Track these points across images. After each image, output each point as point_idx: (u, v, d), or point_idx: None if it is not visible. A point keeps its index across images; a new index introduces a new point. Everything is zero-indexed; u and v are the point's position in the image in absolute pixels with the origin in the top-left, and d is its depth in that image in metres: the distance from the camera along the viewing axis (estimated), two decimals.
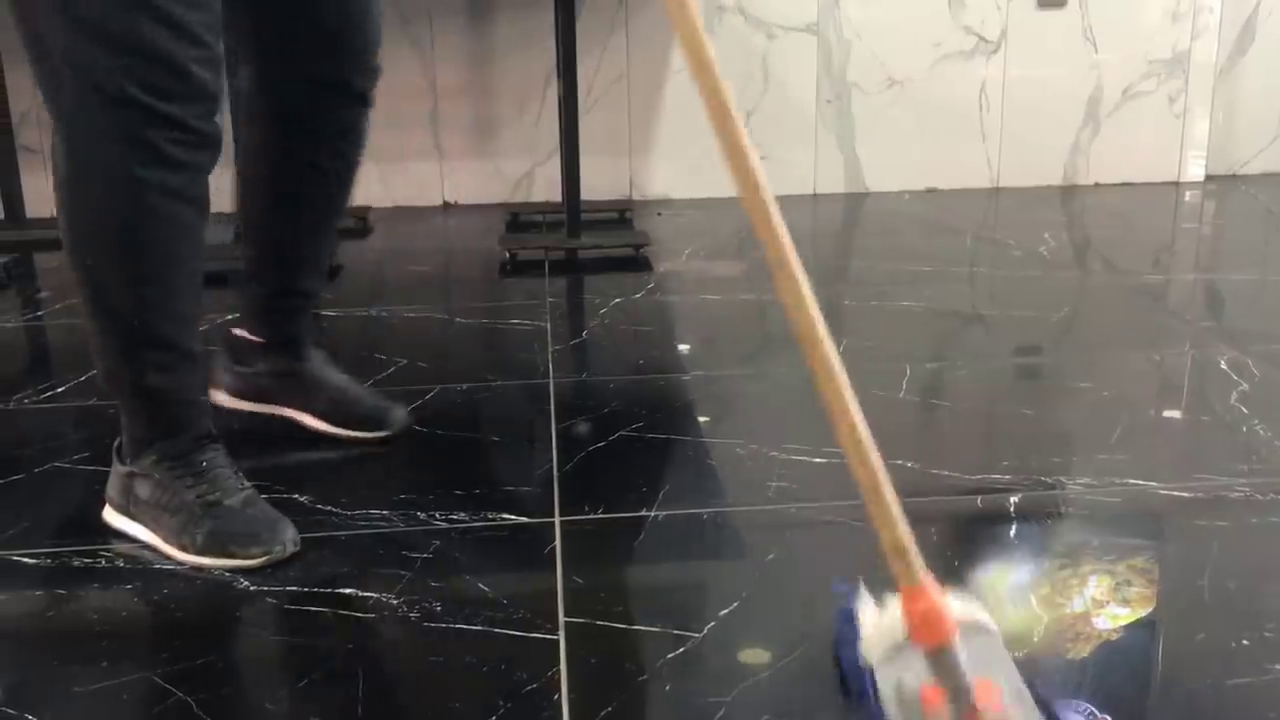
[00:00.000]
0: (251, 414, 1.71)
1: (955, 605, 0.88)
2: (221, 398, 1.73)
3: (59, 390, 1.94)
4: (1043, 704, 0.89)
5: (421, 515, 1.43)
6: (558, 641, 1.14)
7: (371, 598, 1.23)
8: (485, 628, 1.17)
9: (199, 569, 1.30)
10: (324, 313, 2.47)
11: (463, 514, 1.43)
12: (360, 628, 1.18)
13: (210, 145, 1.27)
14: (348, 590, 1.25)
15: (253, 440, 1.70)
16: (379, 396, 1.75)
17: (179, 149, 1.23)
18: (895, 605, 0.90)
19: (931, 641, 0.86)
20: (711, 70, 0.91)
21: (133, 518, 1.38)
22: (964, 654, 0.86)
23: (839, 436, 0.91)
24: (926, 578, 0.87)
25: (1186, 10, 3.67)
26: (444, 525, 1.40)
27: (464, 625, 1.17)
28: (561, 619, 1.18)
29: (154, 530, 1.36)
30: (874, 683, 0.92)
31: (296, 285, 1.66)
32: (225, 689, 1.08)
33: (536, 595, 1.23)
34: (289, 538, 1.32)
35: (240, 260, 1.67)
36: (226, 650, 1.15)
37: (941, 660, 0.86)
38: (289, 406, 1.70)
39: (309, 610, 1.21)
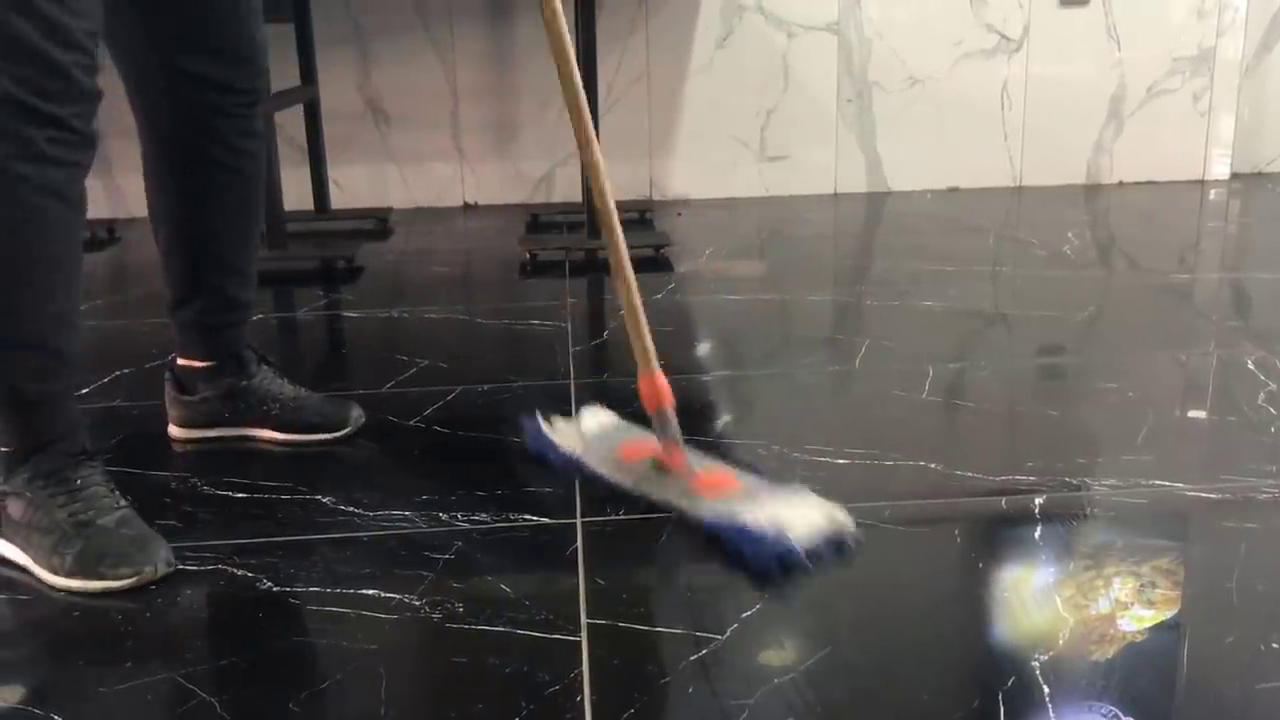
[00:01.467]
0: (210, 440, 1.71)
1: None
2: (175, 431, 1.73)
3: (84, 391, 1.95)
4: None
5: (443, 516, 1.43)
6: (580, 643, 1.14)
7: (394, 598, 1.23)
8: (507, 629, 1.17)
9: (69, 591, 1.27)
10: (345, 314, 2.48)
11: (484, 515, 1.43)
12: (383, 629, 1.18)
13: (89, 146, 1.28)
14: (370, 591, 1.25)
15: (271, 443, 1.71)
16: (333, 400, 1.75)
17: (60, 148, 1.23)
18: (563, 422, 1.51)
19: (655, 405, 1.39)
20: (570, 61, 1.42)
21: (5, 538, 1.34)
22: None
23: (620, 285, 1.41)
24: (659, 372, 1.40)
25: (1212, 7, 3.64)
26: (466, 526, 1.40)
27: (486, 626, 1.17)
28: (584, 620, 1.18)
29: (25, 551, 1.32)
30: (584, 463, 1.41)
31: (225, 295, 1.66)
32: (248, 690, 1.08)
33: (558, 597, 1.23)
34: (161, 558, 1.29)
35: (165, 287, 1.67)
36: (250, 651, 1.15)
37: (664, 417, 1.38)
38: (243, 426, 1.70)
39: (332, 611, 1.21)
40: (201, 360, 1.69)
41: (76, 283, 1.31)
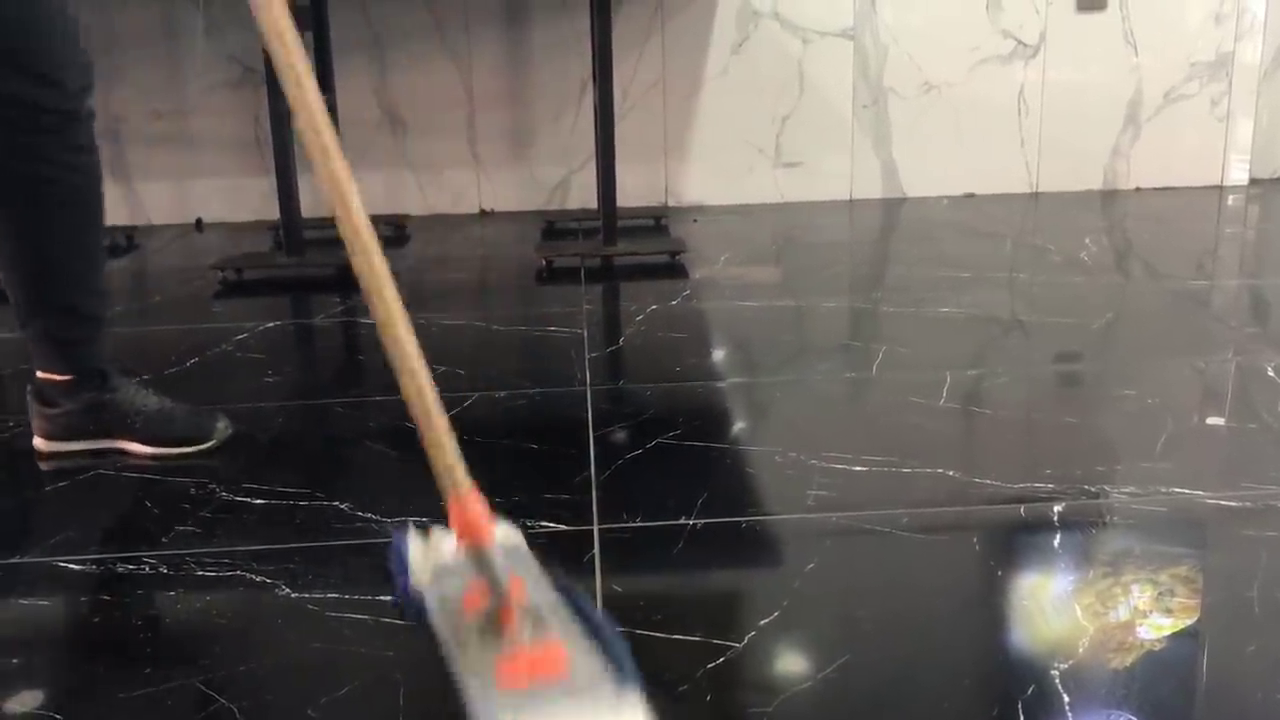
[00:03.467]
0: (77, 453, 1.71)
1: (498, 527, 1.00)
2: (40, 443, 1.72)
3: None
4: (570, 602, 0.99)
5: None
6: None
7: None
8: None
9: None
10: (362, 320, 2.48)
11: (501, 521, 1.43)
12: (400, 635, 1.18)
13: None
14: (389, 597, 1.25)
15: (289, 448, 1.71)
16: (200, 411, 1.75)
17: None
18: (437, 538, 1.05)
19: (473, 540, 0.96)
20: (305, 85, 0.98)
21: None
22: (502, 559, 0.97)
23: (400, 376, 1.01)
24: (471, 491, 0.98)
25: (1230, 11, 3.63)
26: None
27: None
28: None
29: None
30: (425, 602, 1.03)
31: (77, 313, 1.66)
32: (267, 695, 1.08)
33: None
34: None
35: (12, 304, 1.67)
36: (268, 657, 1.16)
37: (482, 557, 0.96)
38: (108, 438, 1.70)
39: (350, 617, 1.22)
40: (59, 374, 1.68)
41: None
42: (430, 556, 1.07)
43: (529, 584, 1.00)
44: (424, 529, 1.09)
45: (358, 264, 0.99)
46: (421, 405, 1.00)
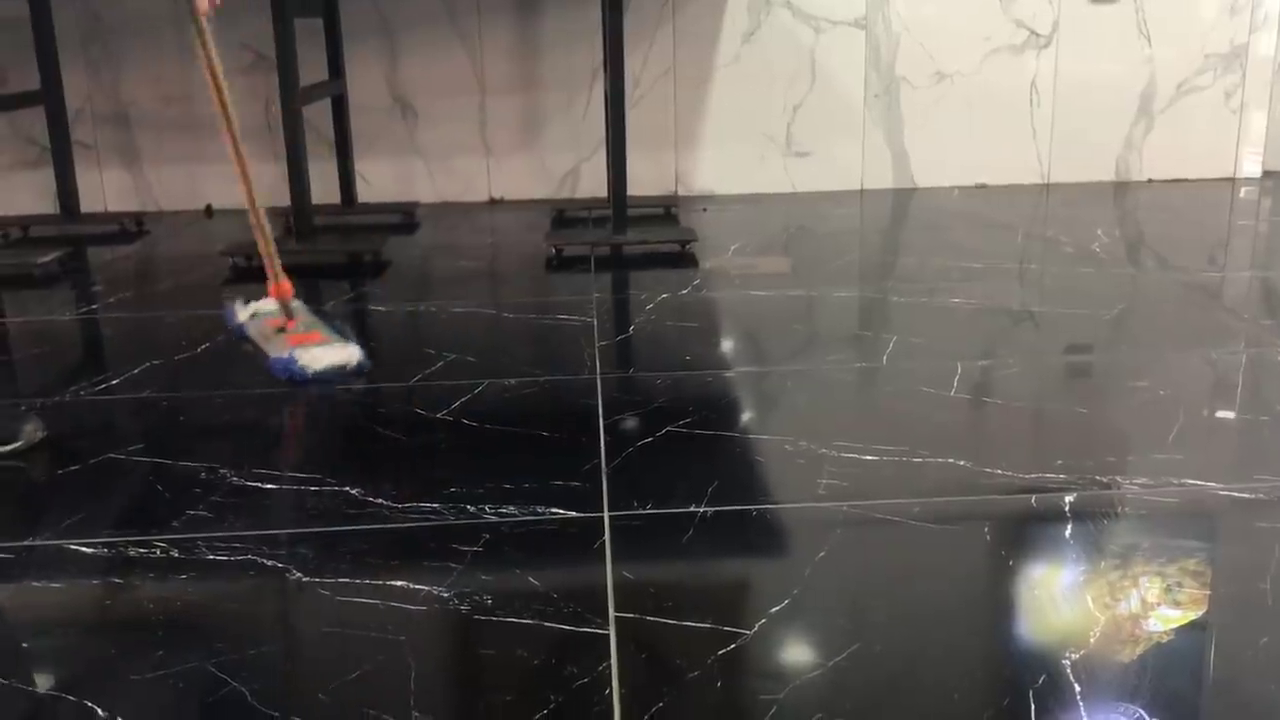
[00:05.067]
0: None
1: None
2: None
3: (114, 382, 1.96)
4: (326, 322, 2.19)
5: (471, 509, 1.43)
6: (608, 636, 1.14)
7: (422, 590, 1.23)
8: (535, 621, 1.17)
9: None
10: (372, 307, 2.48)
11: (512, 508, 1.43)
12: (411, 620, 1.18)
13: None
14: (399, 582, 1.25)
15: (303, 434, 1.72)
16: (9, 413, 1.73)
17: None
18: (254, 303, 2.25)
19: (279, 296, 2.17)
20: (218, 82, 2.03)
21: None
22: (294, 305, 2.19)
23: (248, 202, 2.13)
24: (283, 277, 2.17)
25: (1244, 3, 3.61)
26: (494, 519, 1.40)
27: (514, 619, 1.17)
28: (611, 614, 1.18)
29: None
30: (245, 327, 2.20)
31: None
32: (278, 679, 1.09)
33: (586, 590, 1.23)
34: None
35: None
36: (279, 641, 1.16)
37: (285, 306, 2.17)
38: None
39: (360, 602, 1.22)
40: None
41: None
42: (248, 308, 2.23)
43: (303, 312, 2.22)
44: (244, 301, 2.23)
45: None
46: (259, 227, 2.16)
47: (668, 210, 3.44)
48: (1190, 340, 2.10)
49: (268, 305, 2.22)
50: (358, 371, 1.97)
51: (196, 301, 2.55)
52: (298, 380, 1.92)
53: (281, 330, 2.12)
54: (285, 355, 1.96)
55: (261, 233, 2.15)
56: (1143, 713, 0.99)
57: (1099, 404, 1.80)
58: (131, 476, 1.58)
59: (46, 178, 3.40)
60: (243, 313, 2.21)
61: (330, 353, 1.99)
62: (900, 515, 1.38)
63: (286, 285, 2.17)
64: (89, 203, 3.47)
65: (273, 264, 2.17)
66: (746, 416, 1.77)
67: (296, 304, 2.21)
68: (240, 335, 2.19)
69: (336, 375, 1.95)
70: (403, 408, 1.80)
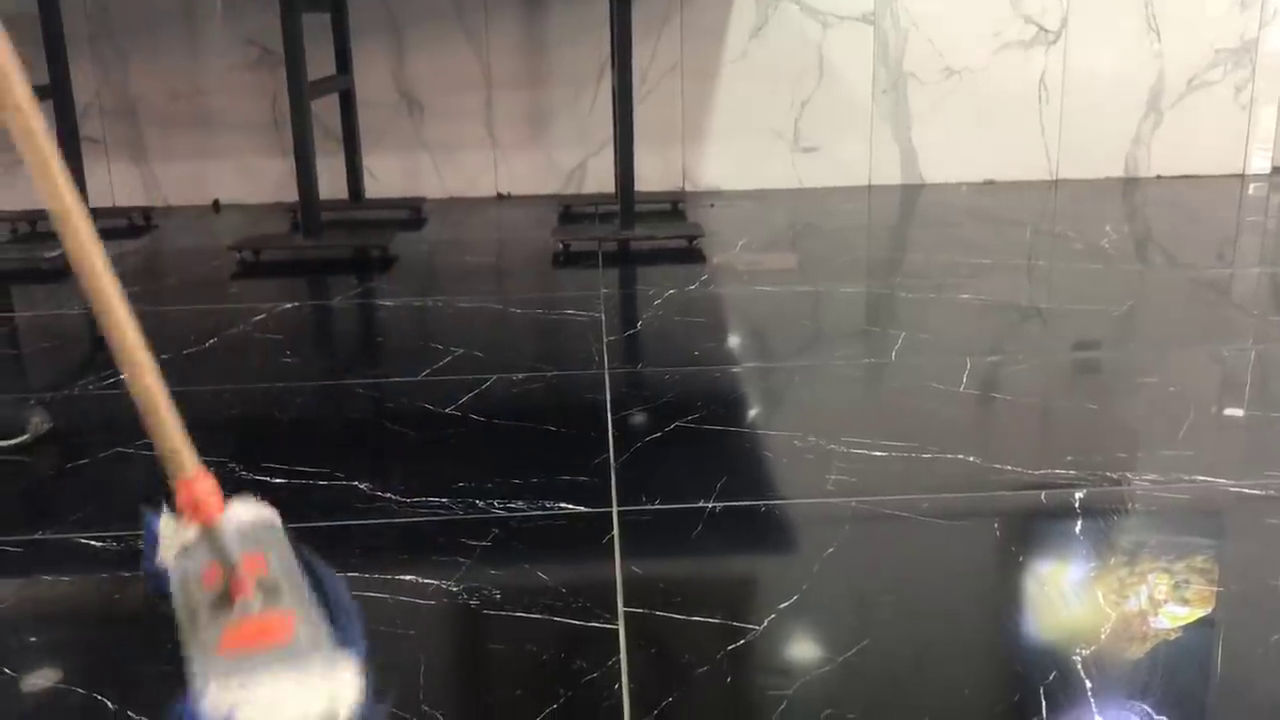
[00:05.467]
0: None
1: (237, 504, 1.06)
2: None
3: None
4: (313, 576, 1.01)
5: (480, 504, 1.43)
6: (617, 631, 1.14)
7: (431, 584, 1.23)
8: (544, 616, 1.17)
9: None
10: (380, 302, 2.48)
11: (521, 503, 1.43)
12: (420, 614, 1.18)
13: None
14: (408, 577, 1.25)
15: (311, 429, 1.72)
16: (14, 406, 1.72)
17: None
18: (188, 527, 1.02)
19: (201, 520, 0.98)
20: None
21: None
22: (239, 535, 1.01)
23: (125, 367, 1.01)
24: (198, 470, 0.99)
25: None
26: (502, 514, 1.40)
27: (523, 614, 1.17)
28: (620, 609, 1.18)
29: None
30: (169, 579, 1.04)
31: None
32: None
33: (595, 585, 1.23)
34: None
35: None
36: None
37: (212, 536, 0.97)
38: None
39: (370, 596, 1.22)
40: None
41: None
42: (179, 535, 1.07)
43: (270, 557, 1.02)
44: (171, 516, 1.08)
45: (72, 251, 1.01)
46: (145, 393, 1.04)
47: (675, 206, 3.44)
48: (1199, 336, 2.09)
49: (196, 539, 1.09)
50: None
51: (204, 297, 2.56)
52: None
53: (225, 600, 0.98)
54: (211, 694, 0.90)
55: (146, 396, 1.05)
56: (1153, 710, 0.99)
57: (1108, 400, 1.79)
58: (140, 470, 1.58)
59: None
60: (168, 539, 1.09)
61: (299, 695, 0.91)
62: (909, 511, 1.38)
63: (200, 489, 0.99)
64: (97, 198, 3.48)
65: (170, 441, 1.03)
66: (755, 412, 1.76)
67: (249, 519, 1.09)
68: (159, 588, 1.07)
69: None
70: (411, 402, 1.80)
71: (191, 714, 0.90)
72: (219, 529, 0.99)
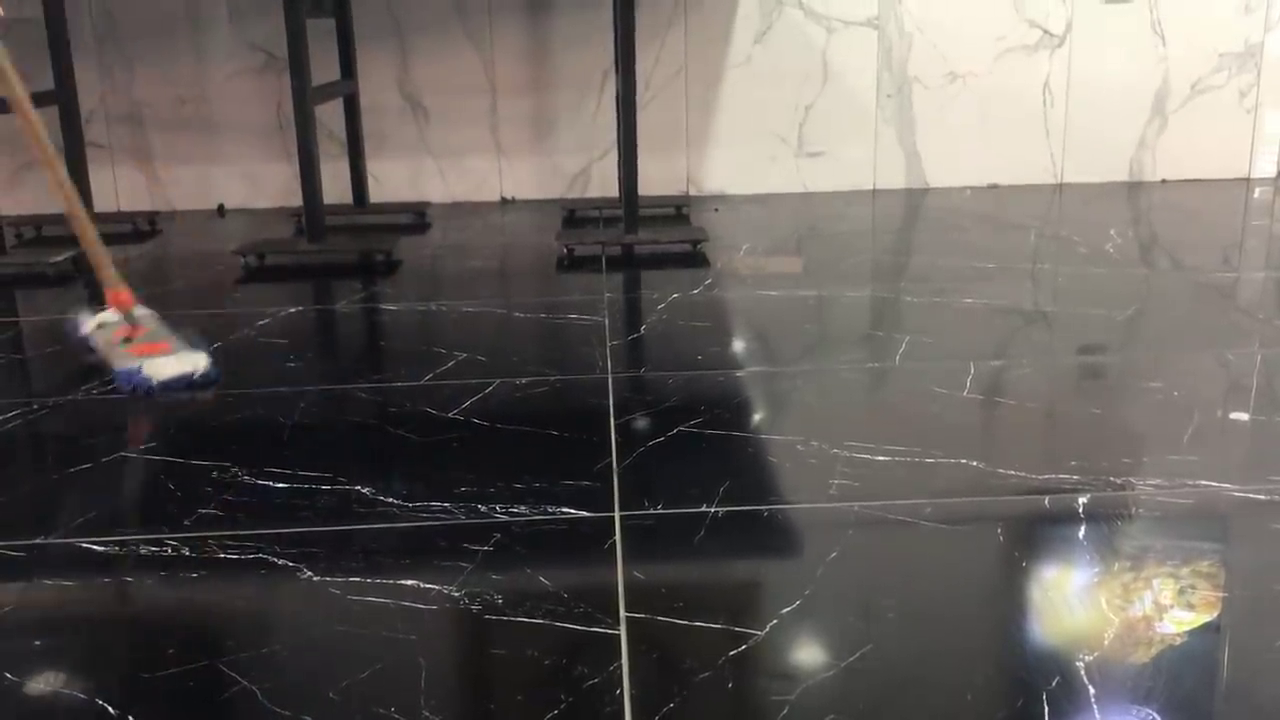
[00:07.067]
0: None
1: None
2: None
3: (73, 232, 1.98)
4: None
5: (482, 508, 1.43)
6: (619, 636, 1.13)
7: (433, 589, 1.23)
8: (546, 621, 1.16)
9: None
10: (384, 307, 2.48)
11: (523, 507, 1.43)
12: (422, 619, 1.18)
13: None
14: (409, 582, 1.25)
15: (311, 432, 1.72)
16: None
17: None
18: (100, 315, 2.12)
19: (122, 306, 2.08)
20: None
21: None
22: (139, 315, 2.10)
23: (71, 221, 2.11)
24: (120, 283, 2.09)
25: (1259, 2, 3.59)
26: (504, 518, 1.40)
27: (525, 618, 1.17)
28: (622, 614, 1.17)
29: None
30: (91, 338, 2.10)
31: None
32: (289, 678, 1.09)
33: (597, 590, 1.23)
34: None
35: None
36: (290, 639, 1.16)
37: (128, 313, 2.08)
38: None
39: (371, 601, 1.22)
40: None
41: None
42: (99, 318, 2.12)
43: (155, 322, 2.11)
44: (91, 312, 2.15)
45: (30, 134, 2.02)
46: (85, 236, 2.10)
47: (679, 210, 3.44)
48: (1204, 341, 2.09)
49: (114, 316, 2.13)
50: (204, 381, 1.93)
51: (209, 301, 2.56)
52: (142, 392, 1.89)
53: (128, 340, 2.04)
54: (131, 366, 1.92)
55: (85, 237, 2.09)
56: (1157, 716, 0.99)
57: (1112, 405, 1.79)
58: (143, 475, 1.58)
59: None
60: (89, 323, 2.12)
61: (175, 362, 1.93)
62: (912, 516, 1.37)
63: (125, 295, 2.08)
64: (102, 202, 3.48)
65: (104, 272, 2.09)
66: (758, 416, 1.76)
67: (144, 312, 2.13)
68: (87, 347, 2.09)
69: (183, 385, 1.91)
70: (414, 407, 1.80)
71: (116, 374, 1.93)
72: (132, 310, 2.07)
